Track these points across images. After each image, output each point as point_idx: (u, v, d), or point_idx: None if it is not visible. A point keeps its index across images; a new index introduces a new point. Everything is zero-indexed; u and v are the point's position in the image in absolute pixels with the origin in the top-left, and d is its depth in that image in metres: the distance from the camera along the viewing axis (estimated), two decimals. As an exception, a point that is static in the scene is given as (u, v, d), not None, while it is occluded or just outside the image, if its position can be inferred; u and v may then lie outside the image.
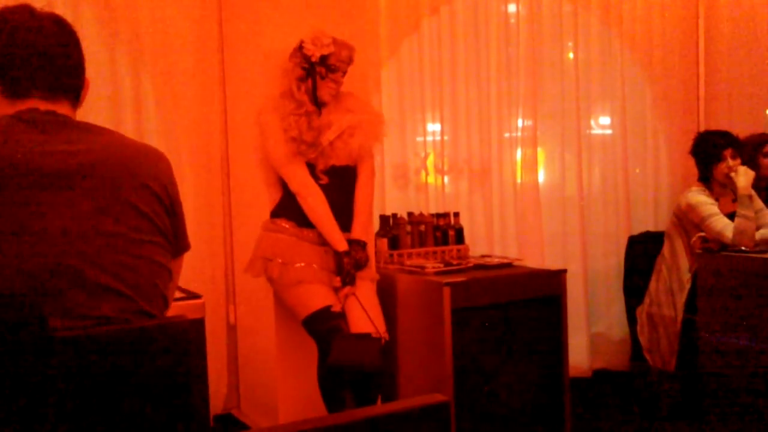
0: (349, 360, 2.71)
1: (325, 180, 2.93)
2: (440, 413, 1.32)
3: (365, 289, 2.96)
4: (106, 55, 3.29)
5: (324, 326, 2.81)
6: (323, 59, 2.90)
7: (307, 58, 2.91)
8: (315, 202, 2.91)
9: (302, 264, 2.89)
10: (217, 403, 3.54)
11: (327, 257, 2.92)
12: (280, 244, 2.92)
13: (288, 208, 2.97)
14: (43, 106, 1.53)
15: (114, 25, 3.33)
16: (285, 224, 2.94)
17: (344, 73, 2.97)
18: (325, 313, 2.83)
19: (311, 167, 2.93)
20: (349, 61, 2.97)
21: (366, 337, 2.79)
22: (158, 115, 3.46)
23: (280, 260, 2.90)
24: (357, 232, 2.97)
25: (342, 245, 2.88)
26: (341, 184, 2.97)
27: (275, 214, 3.01)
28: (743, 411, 3.11)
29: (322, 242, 2.93)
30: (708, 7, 4.67)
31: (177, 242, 1.64)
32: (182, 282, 1.91)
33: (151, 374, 1.48)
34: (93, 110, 3.01)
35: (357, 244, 2.93)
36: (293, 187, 2.94)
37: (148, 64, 3.41)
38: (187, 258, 1.72)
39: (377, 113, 3.23)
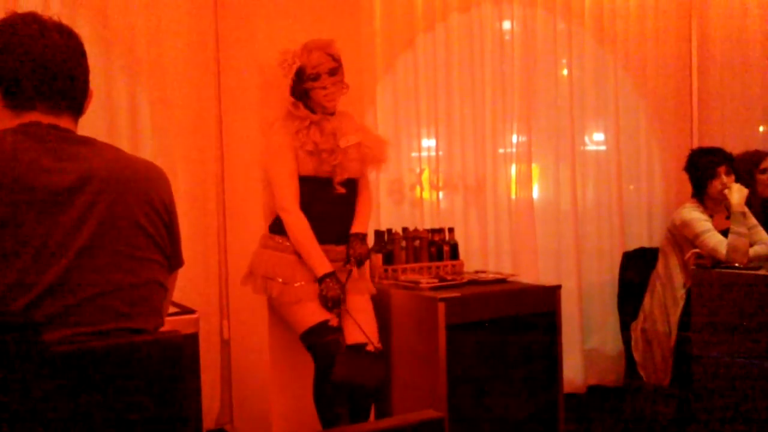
0: (355, 377, 2.76)
1: (343, 191, 2.94)
2: (434, 429, 1.32)
3: (361, 302, 2.97)
4: (102, 67, 3.29)
5: (321, 339, 2.83)
6: (300, 75, 2.90)
7: (290, 81, 2.93)
8: (299, 225, 2.88)
9: (302, 283, 2.89)
10: (209, 419, 3.52)
11: None
12: (281, 263, 2.91)
13: None
14: (45, 119, 1.52)
15: (109, 36, 3.33)
16: (286, 242, 2.92)
17: (332, 71, 2.91)
18: (322, 327, 2.84)
19: (328, 180, 2.91)
20: (329, 58, 2.90)
21: (368, 353, 2.82)
22: (153, 127, 3.46)
23: (280, 280, 2.90)
24: (356, 227, 3.00)
25: (324, 268, 2.86)
26: (349, 196, 2.99)
27: (274, 230, 2.99)
28: (738, 427, 3.11)
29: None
30: (700, 26, 4.71)
31: (173, 259, 1.65)
32: (176, 296, 1.91)
33: (144, 390, 1.48)
34: (89, 121, 2.99)
35: (356, 238, 2.95)
36: (279, 202, 2.91)
37: (143, 75, 3.41)
38: (181, 272, 1.73)
39: (379, 136, 3.24)
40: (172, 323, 1.90)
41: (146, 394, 1.48)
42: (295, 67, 2.89)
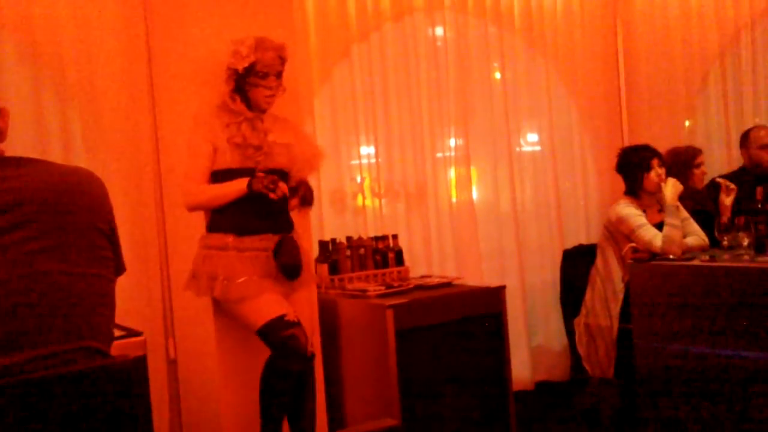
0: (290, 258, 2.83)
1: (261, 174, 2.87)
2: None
3: (303, 296, 2.95)
4: (28, 77, 3.20)
5: (279, 335, 2.77)
6: (249, 69, 2.86)
7: (233, 72, 2.88)
8: (202, 189, 2.86)
9: (244, 278, 2.83)
10: (159, 441, 3.45)
11: (269, 264, 2.86)
12: (221, 261, 2.85)
13: (224, 219, 2.89)
14: None
15: (36, 53, 3.23)
16: (226, 238, 2.86)
17: (279, 74, 2.91)
18: (279, 322, 2.78)
19: (252, 172, 2.86)
20: (280, 60, 2.90)
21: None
22: (84, 136, 3.36)
23: (222, 278, 2.84)
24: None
25: (242, 182, 2.80)
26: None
27: (212, 227, 2.93)
28: (678, 414, 3.22)
29: (266, 248, 2.87)
30: (625, 27, 4.86)
31: (118, 266, 1.63)
32: (118, 318, 1.87)
33: (93, 416, 1.45)
34: (19, 141, 2.93)
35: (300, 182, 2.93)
36: (183, 198, 2.89)
37: (72, 90, 3.33)
38: (123, 292, 1.69)
39: (313, 143, 3.23)
40: (119, 347, 1.86)
41: (96, 422, 1.45)
42: (248, 61, 2.84)
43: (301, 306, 2.95)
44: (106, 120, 3.40)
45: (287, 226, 2.96)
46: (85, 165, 3.24)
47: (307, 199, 2.94)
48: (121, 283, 1.73)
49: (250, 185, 2.78)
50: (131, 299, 3.17)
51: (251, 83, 2.88)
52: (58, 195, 1.51)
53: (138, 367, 1.65)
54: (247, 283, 2.83)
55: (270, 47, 2.88)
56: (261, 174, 2.80)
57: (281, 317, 2.78)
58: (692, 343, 3.17)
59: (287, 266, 2.87)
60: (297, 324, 2.79)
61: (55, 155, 3.24)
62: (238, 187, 2.81)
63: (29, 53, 3.23)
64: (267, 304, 2.82)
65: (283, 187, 2.79)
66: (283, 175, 2.93)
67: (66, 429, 1.39)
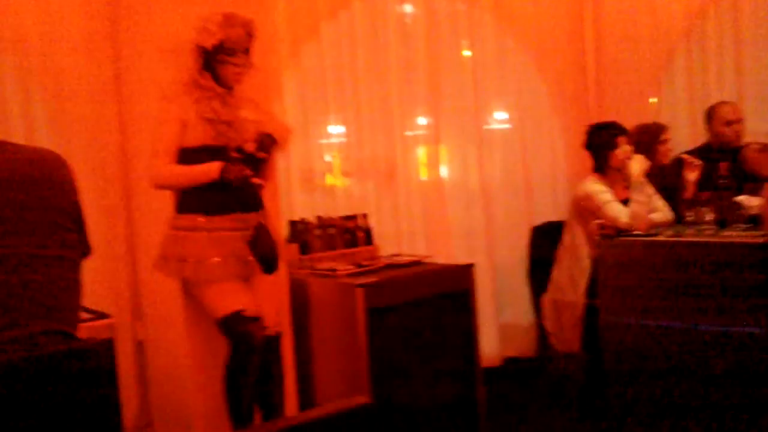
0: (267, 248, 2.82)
1: (239, 156, 2.82)
2: (365, 415, 1.34)
3: (270, 278, 2.92)
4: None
5: (236, 330, 2.81)
6: (217, 46, 2.81)
7: (201, 49, 2.84)
8: (170, 170, 2.82)
9: (218, 259, 2.82)
10: (126, 425, 3.42)
11: (240, 244, 2.84)
12: (191, 242, 2.82)
13: (193, 199, 2.85)
14: None
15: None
16: (196, 218, 2.83)
17: (247, 50, 2.87)
18: (237, 317, 2.80)
19: (223, 149, 2.82)
20: (248, 37, 2.87)
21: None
22: (48, 115, 3.30)
23: (192, 260, 2.82)
24: None
25: (214, 166, 2.76)
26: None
27: (181, 208, 2.89)
28: (644, 387, 3.28)
29: (236, 227, 2.85)
30: (593, 3, 4.87)
31: (84, 248, 1.62)
32: (85, 300, 1.85)
33: (60, 400, 1.43)
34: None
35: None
36: (150, 178, 2.85)
37: (35, 64, 3.25)
38: (89, 274, 1.67)
39: (282, 122, 3.21)
40: (86, 330, 1.84)
41: (63, 406, 1.44)
42: (216, 39, 2.80)
43: (268, 287, 2.94)
44: (70, 99, 3.34)
45: (257, 204, 2.93)
46: (49, 145, 3.19)
47: (265, 145, 2.84)
48: (88, 265, 1.71)
49: (223, 174, 2.75)
50: (98, 281, 3.13)
51: (219, 60, 2.84)
52: (23, 176, 1.48)
53: (106, 349, 1.64)
54: (218, 265, 2.81)
55: (238, 23, 2.84)
56: (235, 167, 2.75)
57: (238, 313, 2.80)
58: (657, 318, 3.23)
59: (265, 258, 2.86)
60: (254, 319, 2.82)
61: (18, 134, 3.18)
62: (209, 174, 2.77)
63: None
64: (229, 295, 2.82)
65: (254, 180, 2.76)
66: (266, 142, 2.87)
67: (32, 413, 1.37)
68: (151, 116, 2.99)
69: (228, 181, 2.75)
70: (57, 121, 3.33)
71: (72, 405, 1.45)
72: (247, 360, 2.83)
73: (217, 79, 2.87)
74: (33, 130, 3.26)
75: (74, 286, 1.58)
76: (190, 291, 2.95)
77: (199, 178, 2.80)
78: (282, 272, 3.16)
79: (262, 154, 2.80)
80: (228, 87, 2.89)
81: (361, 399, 1.40)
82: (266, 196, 3.04)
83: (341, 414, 1.34)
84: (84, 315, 2.03)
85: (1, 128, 3.10)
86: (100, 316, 2.30)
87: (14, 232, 1.44)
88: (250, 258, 2.85)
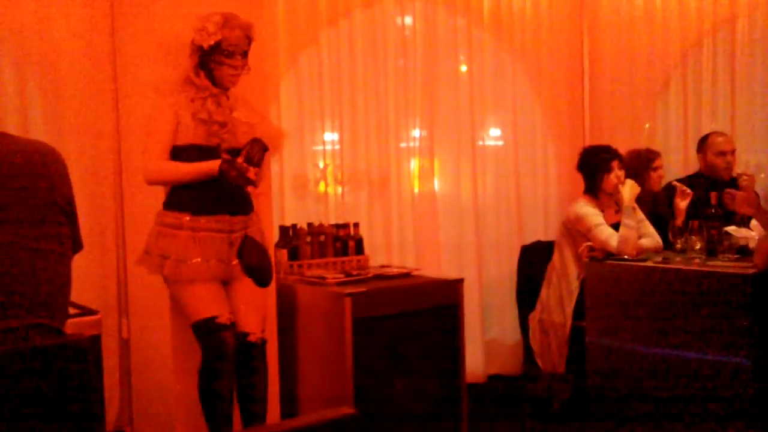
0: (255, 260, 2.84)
1: (228, 157, 2.81)
2: (349, 426, 1.33)
3: (248, 288, 2.90)
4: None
5: (208, 336, 2.80)
6: (215, 47, 2.80)
7: (198, 48, 2.83)
8: (166, 166, 2.80)
9: (199, 260, 2.80)
10: (107, 422, 3.40)
11: (224, 247, 2.83)
12: (175, 240, 2.81)
13: (181, 197, 2.84)
14: None
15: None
16: (182, 217, 2.81)
17: (245, 53, 2.87)
18: (211, 323, 2.79)
19: (215, 150, 2.81)
20: (247, 40, 2.86)
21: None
22: (43, 109, 3.30)
23: (174, 257, 2.80)
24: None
25: (212, 164, 2.75)
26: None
27: (168, 206, 2.87)
28: (627, 409, 3.29)
29: (220, 229, 2.83)
30: (591, 27, 4.90)
31: (75, 243, 1.61)
32: (73, 295, 1.84)
33: (45, 394, 1.42)
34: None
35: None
36: (145, 173, 2.83)
37: (32, 56, 3.24)
38: (77, 269, 1.67)
39: (276, 125, 3.20)
40: (73, 325, 1.83)
41: (46, 401, 1.43)
42: (214, 39, 2.78)
43: (253, 292, 2.91)
44: (66, 93, 3.34)
45: (245, 208, 2.92)
46: (43, 137, 3.17)
47: (253, 160, 2.79)
48: (76, 260, 1.70)
49: (222, 172, 2.73)
50: (86, 276, 3.12)
51: (216, 61, 2.83)
52: (18, 169, 1.47)
53: (93, 346, 1.63)
54: (198, 266, 2.79)
55: (237, 26, 2.83)
56: (237, 162, 2.73)
57: (212, 319, 2.79)
58: (642, 342, 3.24)
59: (253, 269, 2.85)
60: (227, 327, 2.80)
61: (13, 126, 3.16)
62: (207, 170, 2.76)
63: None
64: (205, 299, 2.81)
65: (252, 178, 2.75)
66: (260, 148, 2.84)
67: (18, 406, 1.36)
68: (147, 113, 2.98)
69: (227, 179, 2.74)
70: (52, 115, 3.32)
71: (57, 400, 1.44)
72: (218, 366, 2.81)
73: (212, 79, 2.87)
74: (28, 124, 3.25)
75: (65, 281, 1.57)
76: (169, 289, 2.93)
77: (196, 175, 2.78)
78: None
79: (251, 168, 2.77)
80: (223, 88, 2.89)
81: (347, 410, 1.40)
82: (258, 202, 3.04)
83: (326, 424, 1.34)
84: (71, 310, 2.01)
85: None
86: (88, 312, 2.29)
87: (7, 222, 1.43)
88: (234, 262, 2.84)
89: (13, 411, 1.34)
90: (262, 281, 2.92)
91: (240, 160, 2.75)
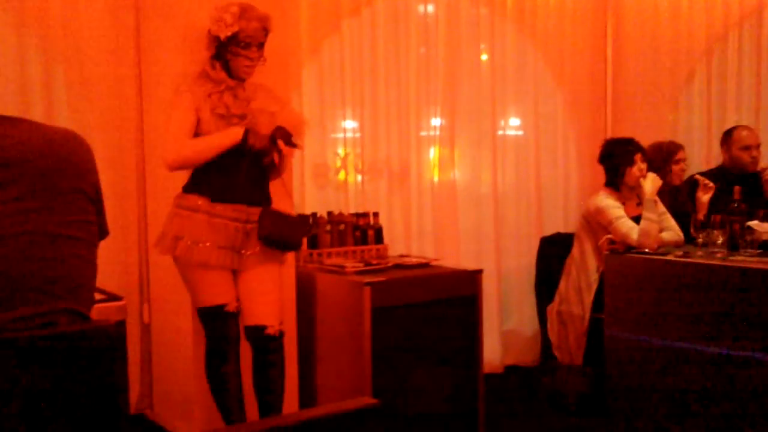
0: (278, 233, 2.83)
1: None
2: (371, 416, 1.34)
3: (263, 279, 2.90)
4: (13, 35, 3.15)
5: (213, 324, 2.86)
6: (231, 38, 2.79)
7: (214, 39, 2.82)
8: (190, 141, 2.80)
9: (209, 244, 2.80)
10: (129, 404, 3.45)
11: (237, 235, 2.84)
12: (190, 222, 2.81)
13: (201, 182, 2.85)
14: None
15: (22, 7, 3.18)
16: (198, 201, 2.82)
17: (261, 45, 2.86)
18: (217, 311, 2.83)
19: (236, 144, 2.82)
20: (264, 31, 2.84)
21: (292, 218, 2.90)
22: (68, 96, 3.34)
23: (188, 240, 2.80)
24: None
25: (235, 133, 2.78)
26: (257, 160, 2.87)
27: (188, 188, 2.88)
28: (645, 403, 3.28)
29: (235, 218, 2.84)
30: (615, 19, 4.87)
31: (102, 230, 1.63)
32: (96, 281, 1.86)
33: (71, 379, 1.44)
34: (1, 98, 2.90)
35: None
36: (170, 158, 2.81)
37: (57, 44, 3.28)
38: (101, 256, 1.68)
39: (297, 112, 3.21)
40: (99, 311, 1.85)
41: (72, 386, 1.45)
42: (230, 30, 2.77)
43: (266, 282, 2.90)
44: (91, 80, 3.38)
45: (263, 200, 2.92)
46: (68, 124, 3.21)
47: (286, 138, 2.84)
48: (99, 247, 1.72)
49: (245, 138, 2.76)
50: (108, 262, 3.13)
51: (232, 52, 2.82)
52: (45, 156, 1.49)
53: (118, 331, 1.65)
54: (209, 250, 2.80)
55: (254, 17, 2.81)
56: (258, 137, 2.77)
57: (221, 306, 2.83)
58: (661, 336, 3.23)
59: (271, 238, 2.84)
60: (234, 315, 2.85)
61: (38, 113, 3.20)
62: (233, 136, 2.78)
63: (15, 12, 3.17)
64: (214, 286, 2.83)
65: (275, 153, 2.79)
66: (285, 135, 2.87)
67: (44, 391, 1.39)
68: (168, 100, 3.00)
69: (250, 147, 2.76)
70: (77, 106, 3.36)
71: (82, 385, 1.46)
72: (224, 347, 2.86)
73: (228, 70, 2.86)
74: (54, 115, 3.28)
75: (92, 267, 1.59)
76: (180, 272, 2.92)
77: (220, 144, 2.79)
78: (288, 267, 3.17)
79: (267, 160, 2.82)
80: (239, 79, 2.88)
81: (368, 400, 1.41)
82: (277, 191, 3.03)
83: (347, 413, 1.35)
84: (97, 296, 2.04)
85: (22, 109, 3.12)
86: (113, 297, 2.31)
87: (36, 209, 1.45)
88: (248, 252, 2.85)
89: (38, 393, 1.37)
90: (285, 247, 2.93)
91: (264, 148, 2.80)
